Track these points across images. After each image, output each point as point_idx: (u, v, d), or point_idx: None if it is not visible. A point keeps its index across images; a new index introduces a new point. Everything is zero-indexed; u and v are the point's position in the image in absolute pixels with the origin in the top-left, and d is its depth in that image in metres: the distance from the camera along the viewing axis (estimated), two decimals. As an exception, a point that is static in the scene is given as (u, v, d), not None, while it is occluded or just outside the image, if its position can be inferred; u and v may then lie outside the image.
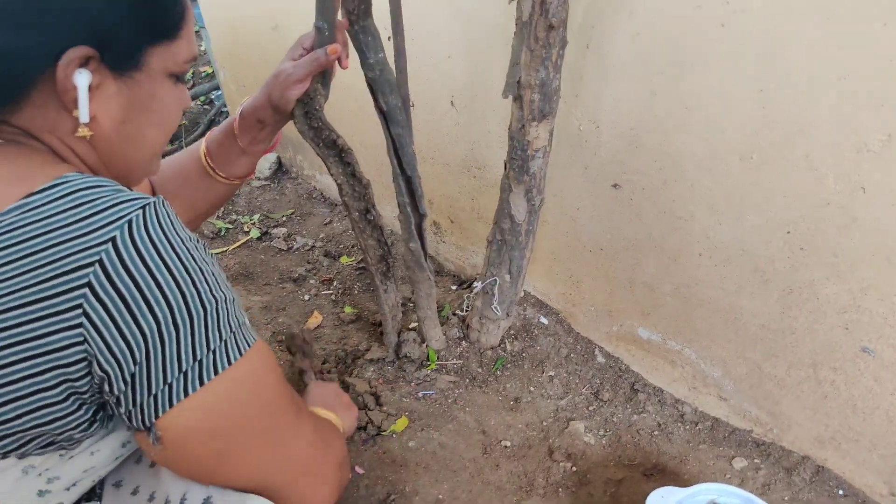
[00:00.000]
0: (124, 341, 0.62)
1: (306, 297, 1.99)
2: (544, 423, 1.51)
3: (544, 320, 1.75)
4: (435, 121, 1.79)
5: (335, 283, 2.07)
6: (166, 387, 0.65)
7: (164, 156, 0.94)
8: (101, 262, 0.59)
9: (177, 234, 0.65)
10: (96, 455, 0.76)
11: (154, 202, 0.64)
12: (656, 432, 1.49)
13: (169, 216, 0.65)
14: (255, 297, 1.98)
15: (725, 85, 1.16)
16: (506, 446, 1.45)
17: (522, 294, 1.78)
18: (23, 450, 0.67)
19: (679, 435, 1.48)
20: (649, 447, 1.45)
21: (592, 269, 1.61)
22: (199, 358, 0.66)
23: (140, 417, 0.66)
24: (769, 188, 1.19)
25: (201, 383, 0.67)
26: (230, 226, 2.46)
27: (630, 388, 1.60)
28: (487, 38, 1.51)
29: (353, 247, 2.27)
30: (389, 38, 1.23)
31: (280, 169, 2.84)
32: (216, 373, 0.68)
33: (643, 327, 1.57)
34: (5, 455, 0.67)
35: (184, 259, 0.64)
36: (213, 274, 0.68)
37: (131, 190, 0.67)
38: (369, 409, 1.51)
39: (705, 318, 1.42)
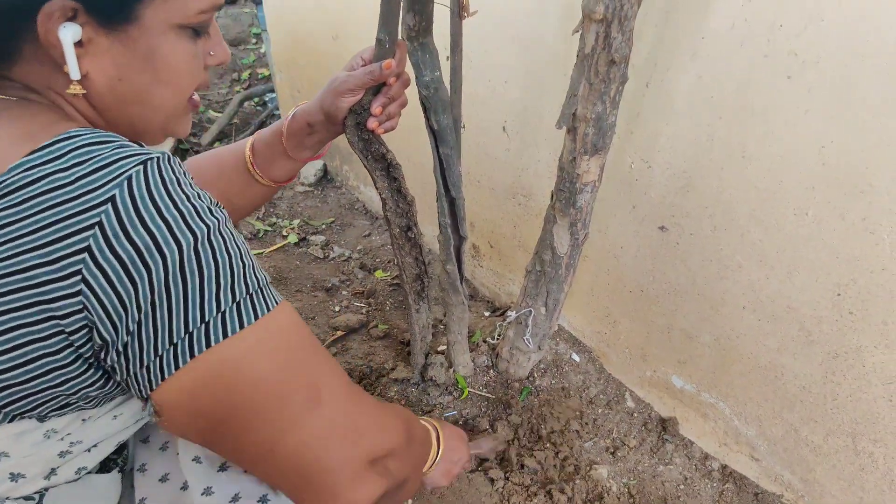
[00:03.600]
0: (123, 308, 0.58)
1: (337, 308, 1.98)
2: (566, 463, 1.47)
3: (576, 357, 1.71)
4: (486, 144, 1.77)
5: (367, 297, 2.06)
6: (157, 359, 0.60)
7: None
8: (100, 224, 0.56)
9: (181, 190, 0.60)
10: (119, 419, 0.74)
11: (157, 157, 0.59)
12: (682, 486, 1.44)
13: (173, 171, 0.60)
14: (287, 303, 1.97)
15: (787, 138, 1.12)
16: (526, 485, 1.41)
17: (556, 328, 1.75)
18: (38, 412, 0.65)
19: (705, 492, 1.43)
20: (673, 501, 1.40)
21: (631, 310, 1.57)
22: (190, 330, 0.60)
23: (136, 387, 0.62)
24: (822, 247, 1.14)
25: (191, 356, 0.60)
26: (269, 228, 2.46)
27: (658, 436, 1.55)
28: (545, 67, 1.49)
29: (389, 262, 2.25)
30: (447, 57, 1.22)
31: (325, 177, 2.85)
32: (207, 346, 0.61)
33: (678, 375, 1.52)
34: (21, 417, 0.64)
35: (188, 219, 0.59)
36: (221, 235, 0.62)
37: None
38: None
39: (744, 373, 1.37)
